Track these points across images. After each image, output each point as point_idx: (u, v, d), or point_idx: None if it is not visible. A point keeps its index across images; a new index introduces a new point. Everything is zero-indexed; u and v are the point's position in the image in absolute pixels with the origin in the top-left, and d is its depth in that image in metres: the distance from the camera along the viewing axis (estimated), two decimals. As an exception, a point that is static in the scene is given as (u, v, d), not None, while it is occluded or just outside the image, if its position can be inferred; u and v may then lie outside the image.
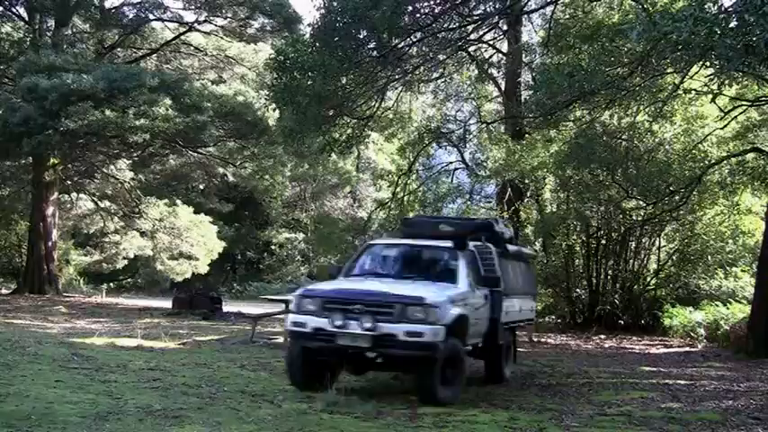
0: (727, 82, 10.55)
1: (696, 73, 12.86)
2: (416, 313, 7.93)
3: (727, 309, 17.39)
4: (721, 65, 7.89)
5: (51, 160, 24.68)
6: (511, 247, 10.70)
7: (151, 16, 27.10)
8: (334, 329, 8.06)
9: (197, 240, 29.43)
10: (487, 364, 10.23)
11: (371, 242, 10.93)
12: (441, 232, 10.01)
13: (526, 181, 21.47)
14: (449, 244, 9.51)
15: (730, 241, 20.38)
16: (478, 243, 9.78)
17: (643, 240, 21.72)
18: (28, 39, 25.18)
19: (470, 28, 15.41)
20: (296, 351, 8.65)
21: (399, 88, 20.47)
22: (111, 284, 35.60)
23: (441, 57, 16.48)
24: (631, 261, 21.78)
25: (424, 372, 8.15)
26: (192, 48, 28.09)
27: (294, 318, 8.55)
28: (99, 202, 29.21)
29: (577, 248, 22.30)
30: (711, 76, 11.10)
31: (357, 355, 8.23)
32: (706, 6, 7.28)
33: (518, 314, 10.80)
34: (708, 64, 9.89)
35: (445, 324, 8.01)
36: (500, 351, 10.04)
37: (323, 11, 13.53)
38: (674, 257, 21.61)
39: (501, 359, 10.16)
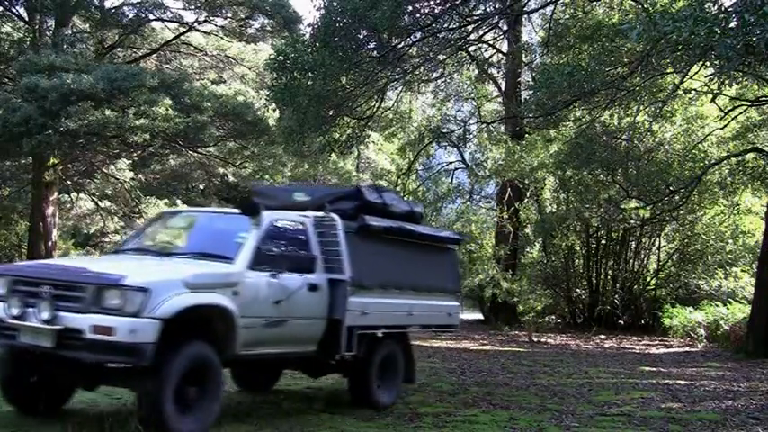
0: (727, 82, 10.55)
1: (696, 73, 12.88)
2: (112, 299, 5.51)
3: (727, 309, 17.43)
4: (721, 65, 7.88)
5: (51, 160, 24.65)
6: (378, 223, 7.67)
7: (151, 16, 27.07)
8: (14, 321, 5.71)
9: (197, 240, 29.44)
10: (350, 382, 7.90)
11: (164, 212, 8.66)
12: (295, 203, 7.85)
13: (526, 181, 21.50)
14: (238, 212, 7.07)
15: (730, 241, 20.43)
16: (319, 214, 7.36)
17: (643, 240, 21.78)
18: (28, 39, 25.15)
19: (470, 28, 15.42)
20: (4, 354, 6.28)
21: (399, 88, 20.54)
22: (111, 284, 35.55)
23: (441, 57, 16.49)
24: (631, 261, 21.83)
25: (142, 390, 5.78)
26: (192, 48, 28.09)
27: None
28: (99, 202, 29.22)
29: (577, 248, 22.34)
30: (711, 76, 11.12)
31: (76, 360, 5.65)
32: (706, 6, 7.29)
33: (406, 317, 8.22)
34: (708, 64, 9.89)
35: (162, 317, 5.51)
36: (365, 366, 7.64)
37: (323, 11, 13.52)
38: (674, 257, 21.65)
39: (367, 377, 7.70)
